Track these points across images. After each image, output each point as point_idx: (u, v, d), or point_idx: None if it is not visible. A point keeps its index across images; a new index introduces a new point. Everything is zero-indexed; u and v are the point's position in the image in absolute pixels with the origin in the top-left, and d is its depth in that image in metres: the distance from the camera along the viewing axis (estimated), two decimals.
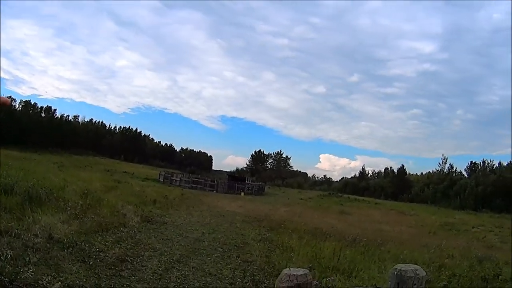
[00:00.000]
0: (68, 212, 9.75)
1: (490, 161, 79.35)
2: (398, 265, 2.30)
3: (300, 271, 2.18)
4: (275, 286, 2.14)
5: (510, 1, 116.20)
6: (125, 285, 6.01)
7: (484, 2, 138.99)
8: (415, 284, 2.18)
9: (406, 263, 2.64)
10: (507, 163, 73.66)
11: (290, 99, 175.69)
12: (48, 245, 6.88)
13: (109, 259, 7.15)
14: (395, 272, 2.23)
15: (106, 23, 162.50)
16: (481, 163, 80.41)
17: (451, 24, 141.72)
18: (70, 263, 6.38)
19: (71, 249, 7.06)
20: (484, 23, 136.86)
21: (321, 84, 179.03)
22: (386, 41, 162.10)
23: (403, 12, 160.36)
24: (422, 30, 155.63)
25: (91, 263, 6.68)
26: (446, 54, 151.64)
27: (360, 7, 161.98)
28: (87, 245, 7.66)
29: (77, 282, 5.62)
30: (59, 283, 5.34)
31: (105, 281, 5.98)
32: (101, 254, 7.36)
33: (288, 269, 2.19)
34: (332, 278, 7.00)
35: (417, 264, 7.23)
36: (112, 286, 5.86)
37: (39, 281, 5.24)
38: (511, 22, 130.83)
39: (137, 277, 6.49)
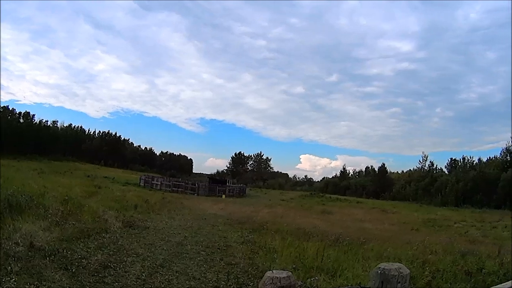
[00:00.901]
0: (49, 219, 9.69)
1: (470, 157, 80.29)
2: (381, 264, 2.28)
3: (284, 274, 2.15)
4: None
5: (486, 1, 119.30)
6: None
7: (462, 2, 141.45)
8: (399, 282, 2.17)
9: (390, 261, 2.71)
10: (486, 159, 75.09)
11: (269, 100, 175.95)
12: (29, 253, 6.84)
13: (91, 266, 7.10)
14: (379, 271, 2.21)
15: (83, 26, 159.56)
16: (461, 160, 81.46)
17: (429, 23, 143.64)
18: (52, 271, 6.34)
19: (53, 256, 7.02)
20: (461, 22, 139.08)
21: (300, 85, 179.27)
22: (365, 41, 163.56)
23: (381, 11, 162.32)
24: (400, 29, 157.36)
25: (73, 270, 6.64)
26: (424, 52, 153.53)
27: (338, 6, 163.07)
28: (69, 252, 7.61)
29: None
30: None
31: None
32: (84, 261, 7.32)
33: (271, 271, 2.16)
34: (316, 278, 7.08)
35: (401, 261, 7.42)
36: None
37: None
38: (487, 21, 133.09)
39: (120, 283, 6.47)
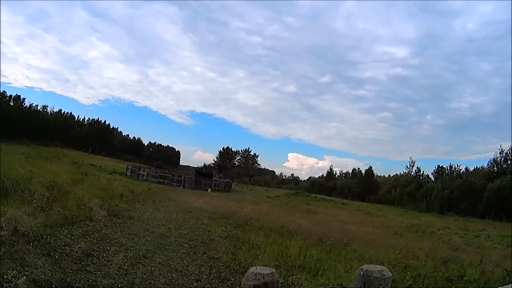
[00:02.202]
0: (34, 205, 9.67)
1: (457, 165, 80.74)
2: (364, 265, 2.31)
3: (267, 270, 2.17)
4: (242, 284, 2.12)
5: (484, 13, 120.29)
6: (90, 280, 5.99)
7: (460, 12, 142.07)
8: (381, 285, 2.20)
9: (372, 263, 2.71)
10: (473, 168, 75.72)
11: (260, 97, 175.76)
12: (13, 238, 6.84)
13: (74, 253, 7.11)
14: (362, 273, 2.23)
15: (79, 13, 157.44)
16: (448, 168, 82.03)
17: (425, 31, 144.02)
18: (35, 257, 6.34)
19: (36, 242, 7.02)
20: (458, 32, 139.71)
21: (292, 84, 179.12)
22: (360, 44, 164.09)
23: (379, 16, 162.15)
24: (396, 35, 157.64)
25: (56, 257, 6.65)
26: (418, 59, 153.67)
27: (335, 9, 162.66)
28: (52, 238, 7.62)
29: (43, 276, 5.58)
30: (24, 277, 5.29)
31: (70, 276, 5.96)
32: (67, 248, 7.32)
33: (255, 267, 2.19)
34: (298, 276, 7.08)
35: (383, 264, 7.46)
36: (78, 281, 5.84)
37: (4, 276, 5.20)
38: (484, 33, 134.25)
39: (103, 272, 6.50)
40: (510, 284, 3.21)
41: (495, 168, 65.34)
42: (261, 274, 2.11)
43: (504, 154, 65.26)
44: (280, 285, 6.01)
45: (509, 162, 64.47)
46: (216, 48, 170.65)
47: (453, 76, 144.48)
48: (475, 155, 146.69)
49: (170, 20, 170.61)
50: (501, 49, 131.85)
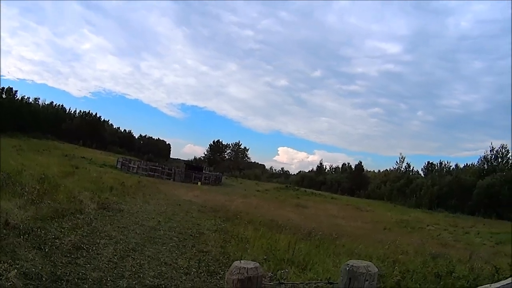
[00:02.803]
0: (25, 197, 9.70)
1: (447, 162, 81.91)
2: (350, 261, 2.26)
3: (251, 264, 2.13)
4: (226, 278, 2.11)
5: (478, 12, 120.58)
6: (80, 273, 6.03)
7: (454, 10, 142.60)
8: (367, 280, 2.17)
9: (360, 258, 2.69)
10: (463, 165, 76.48)
11: (252, 90, 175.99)
12: (4, 231, 6.87)
13: (64, 246, 7.14)
14: (347, 268, 2.20)
15: (73, 5, 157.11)
16: (438, 164, 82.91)
17: (418, 28, 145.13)
18: (26, 250, 6.38)
19: (27, 235, 7.05)
20: (451, 30, 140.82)
21: (284, 78, 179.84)
22: (352, 39, 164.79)
23: (372, 12, 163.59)
24: (389, 31, 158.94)
25: (46, 250, 6.68)
26: (411, 56, 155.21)
27: (329, 4, 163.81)
28: (43, 231, 7.64)
29: (33, 269, 5.62)
30: (15, 270, 5.33)
31: (60, 269, 6.01)
32: (57, 241, 7.36)
33: (239, 261, 2.15)
34: (286, 270, 7.17)
35: (371, 259, 7.71)
36: (68, 274, 5.88)
37: None
38: (477, 31, 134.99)
39: (92, 265, 6.54)
40: (510, 278, 3.28)
41: (485, 166, 66.14)
42: (244, 268, 2.08)
43: (494, 152, 65.97)
44: (268, 279, 6.15)
45: (499, 160, 65.13)
46: (209, 41, 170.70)
47: (445, 74, 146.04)
48: (465, 153, 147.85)
49: (163, 13, 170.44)
50: (494, 47, 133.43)
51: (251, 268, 2.11)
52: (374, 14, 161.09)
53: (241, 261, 2.19)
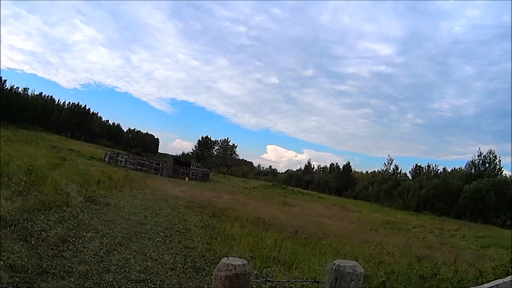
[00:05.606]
0: (12, 189, 9.66)
1: (435, 165, 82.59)
2: (336, 260, 2.25)
3: (239, 261, 2.10)
4: (213, 275, 2.09)
5: (472, 17, 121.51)
6: (66, 266, 6.04)
7: (448, 14, 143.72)
8: (353, 280, 2.16)
9: (346, 258, 2.72)
10: (451, 169, 77.26)
11: (242, 87, 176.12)
12: None
13: (51, 239, 7.15)
14: (334, 267, 2.20)
15: None
16: (426, 167, 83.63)
17: (411, 30, 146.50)
18: (12, 241, 6.38)
19: (13, 227, 7.06)
20: (444, 34, 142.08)
21: (275, 75, 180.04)
22: (344, 39, 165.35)
23: (365, 12, 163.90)
24: (382, 33, 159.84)
25: (33, 242, 6.68)
26: (402, 58, 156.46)
27: (323, 3, 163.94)
28: (29, 223, 7.65)
29: (19, 262, 5.63)
30: (1, 262, 5.37)
31: (46, 262, 6.01)
32: (43, 233, 7.36)
33: (227, 258, 2.11)
34: (272, 268, 7.21)
35: (357, 260, 7.78)
36: (54, 267, 5.88)
37: None
38: (470, 36, 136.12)
39: (78, 259, 6.54)
40: (510, 276, 3.34)
41: (472, 170, 66.69)
42: (232, 265, 2.07)
43: (482, 157, 66.65)
44: (254, 276, 6.19)
45: (487, 165, 65.80)
46: (201, 36, 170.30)
47: (436, 77, 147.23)
48: (453, 156, 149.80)
49: (156, 6, 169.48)
50: (486, 53, 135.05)
51: (239, 265, 2.10)
52: (368, 14, 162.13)
53: (229, 257, 2.16)
